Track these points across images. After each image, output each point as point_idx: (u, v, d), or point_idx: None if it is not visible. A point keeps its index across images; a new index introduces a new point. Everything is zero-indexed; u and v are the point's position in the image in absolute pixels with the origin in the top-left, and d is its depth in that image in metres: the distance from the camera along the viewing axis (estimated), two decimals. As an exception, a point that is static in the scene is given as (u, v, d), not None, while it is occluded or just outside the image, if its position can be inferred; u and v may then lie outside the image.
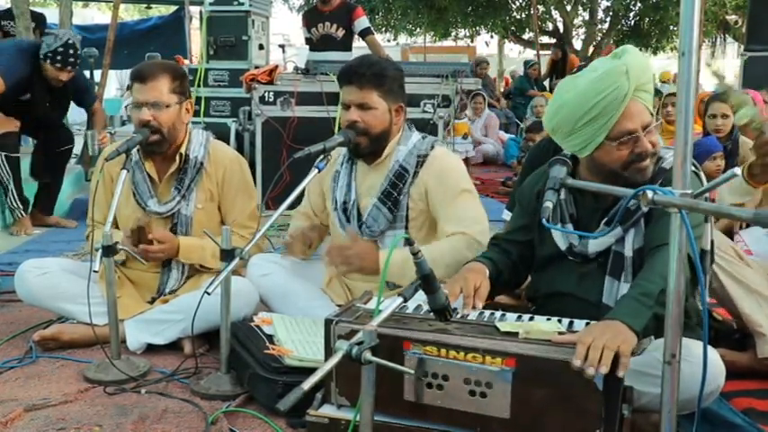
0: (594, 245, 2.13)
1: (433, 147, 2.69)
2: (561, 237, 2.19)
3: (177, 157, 2.84)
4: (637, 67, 2.01)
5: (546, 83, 12.06)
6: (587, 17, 16.38)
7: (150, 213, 2.84)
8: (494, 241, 2.42)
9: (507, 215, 3.23)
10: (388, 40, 18.26)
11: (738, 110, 2.47)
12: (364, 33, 6.53)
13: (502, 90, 13.78)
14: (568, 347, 1.72)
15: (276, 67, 5.39)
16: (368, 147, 2.63)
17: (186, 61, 7.76)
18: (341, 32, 6.50)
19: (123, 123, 11.19)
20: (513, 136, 9.55)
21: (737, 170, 1.60)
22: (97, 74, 6.89)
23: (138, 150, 2.78)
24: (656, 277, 1.84)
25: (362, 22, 6.57)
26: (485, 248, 2.44)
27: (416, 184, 2.64)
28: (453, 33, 18.32)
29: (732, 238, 3.21)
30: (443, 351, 1.77)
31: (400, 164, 2.65)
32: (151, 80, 2.74)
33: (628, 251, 2.09)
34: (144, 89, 2.74)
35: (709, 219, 2.11)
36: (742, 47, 7.45)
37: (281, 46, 9.12)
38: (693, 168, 2.08)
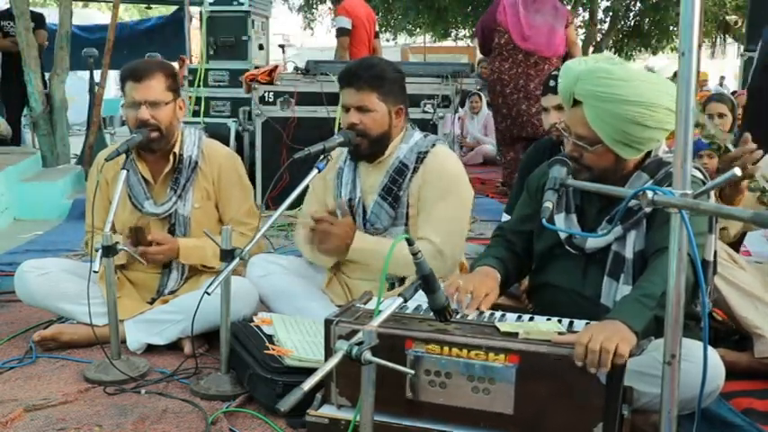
0: (592, 241, 2.13)
1: (434, 145, 2.70)
2: (563, 225, 2.20)
3: (171, 157, 2.83)
4: None
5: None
6: (587, 17, 16.35)
7: (147, 215, 2.84)
8: (498, 232, 2.43)
9: (506, 218, 3.22)
10: (388, 40, 18.25)
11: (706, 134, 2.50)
12: (336, 33, 6.44)
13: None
14: (569, 347, 1.73)
15: (276, 67, 5.39)
16: (367, 148, 2.63)
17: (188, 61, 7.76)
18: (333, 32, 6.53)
19: (123, 123, 11.18)
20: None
21: (738, 171, 1.59)
22: (97, 74, 6.90)
23: (132, 152, 2.76)
24: (658, 279, 1.84)
25: (336, 21, 6.47)
26: (446, 260, 2.52)
27: (416, 180, 2.65)
28: (453, 33, 18.30)
29: (740, 244, 3.17)
30: (446, 349, 1.78)
31: (400, 160, 2.66)
32: (147, 79, 2.72)
33: (628, 253, 2.09)
34: (140, 88, 2.72)
35: (714, 230, 2.10)
36: (742, 47, 7.46)
37: (281, 46, 9.15)
38: (702, 178, 2.08)
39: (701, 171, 2.10)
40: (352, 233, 2.62)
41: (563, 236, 2.19)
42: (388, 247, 2.41)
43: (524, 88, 5.69)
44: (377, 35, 6.94)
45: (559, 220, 2.21)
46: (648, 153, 2.11)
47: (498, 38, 5.71)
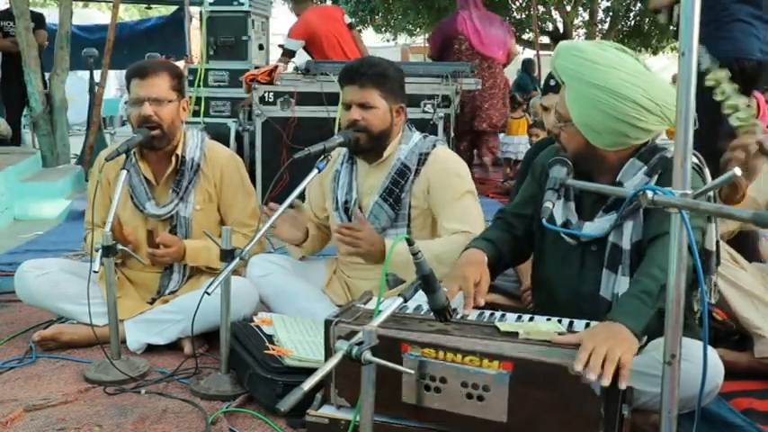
0: (588, 228, 2.11)
1: (434, 145, 2.70)
2: (560, 211, 2.18)
3: (173, 159, 2.84)
4: None
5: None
6: (587, 17, 16.35)
7: (148, 216, 2.84)
8: (499, 215, 2.42)
9: None
10: (388, 40, 18.24)
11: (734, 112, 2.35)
12: (282, 51, 6.44)
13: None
14: (567, 349, 1.72)
15: (276, 67, 5.39)
16: (368, 144, 2.63)
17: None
18: None
19: (123, 123, 11.19)
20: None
21: (738, 170, 1.58)
22: (97, 74, 6.90)
23: (134, 153, 2.76)
24: (656, 271, 1.84)
25: (286, 42, 6.42)
26: None
27: (418, 182, 2.65)
28: (453, 33, 18.29)
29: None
30: (441, 353, 1.77)
31: (402, 161, 2.66)
32: (152, 76, 2.73)
33: (626, 244, 2.07)
34: (145, 85, 2.73)
35: (716, 219, 2.09)
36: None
37: (282, 46, 9.11)
38: (698, 163, 2.07)
39: (696, 156, 2.07)
40: (379, 238, 2.59)
41: (559, 222, 2.17)
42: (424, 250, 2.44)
43: (482, 86, 6.47)
44: (351, 26, 6.78)
45: (558, 206, 2.19)
46: (646, 142, 2.10)
47: (459, 45, 6.78)
